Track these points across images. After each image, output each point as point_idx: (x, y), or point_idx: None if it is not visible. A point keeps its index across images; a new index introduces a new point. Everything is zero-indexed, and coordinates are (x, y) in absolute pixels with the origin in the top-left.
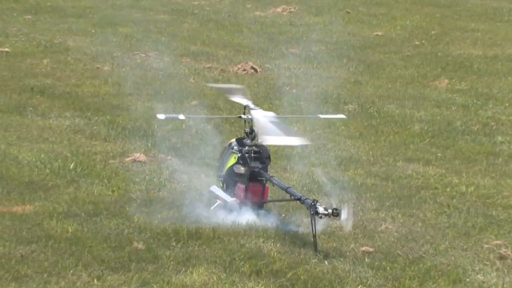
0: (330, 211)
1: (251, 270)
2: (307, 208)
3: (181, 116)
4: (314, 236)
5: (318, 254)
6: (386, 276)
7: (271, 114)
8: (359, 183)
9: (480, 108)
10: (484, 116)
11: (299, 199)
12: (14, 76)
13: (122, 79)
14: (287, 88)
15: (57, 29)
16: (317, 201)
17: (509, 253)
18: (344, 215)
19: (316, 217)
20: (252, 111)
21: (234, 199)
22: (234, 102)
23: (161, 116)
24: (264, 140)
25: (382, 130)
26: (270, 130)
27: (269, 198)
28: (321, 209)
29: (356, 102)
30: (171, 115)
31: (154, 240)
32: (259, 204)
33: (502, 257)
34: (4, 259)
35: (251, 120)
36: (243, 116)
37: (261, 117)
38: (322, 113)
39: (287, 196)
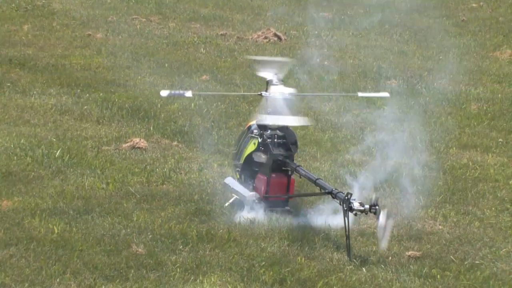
0: (367, 207)
1: (274, 279)
2: (340, 204)
3: (188, 93)
4: (348, 237)
5: (353, 259)
6: (436, 286)
7: (291, 90)
8: (404, 175)
9: None
10: None
11: (330, 193)
12: None
13: (118, 48)
14: (318, 60)
15: None
16: (351, 195)
17: None
18: (382, 217)
19: (350, 214)
20: (271, 87)
21: (254, 193)
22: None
23: (164, 93)
24: (261, 120)
25: (432, 111)
26: (276, 109)
27: (295, 192)
28: (356, 205)
29: (400, 76)
30: (177, 92)
31: (157, 242)
32: (284, 199)
33: None
34: None
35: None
36: (264, 93)
37: (276, 94)
38: (360, 91)
39: (317, 190)
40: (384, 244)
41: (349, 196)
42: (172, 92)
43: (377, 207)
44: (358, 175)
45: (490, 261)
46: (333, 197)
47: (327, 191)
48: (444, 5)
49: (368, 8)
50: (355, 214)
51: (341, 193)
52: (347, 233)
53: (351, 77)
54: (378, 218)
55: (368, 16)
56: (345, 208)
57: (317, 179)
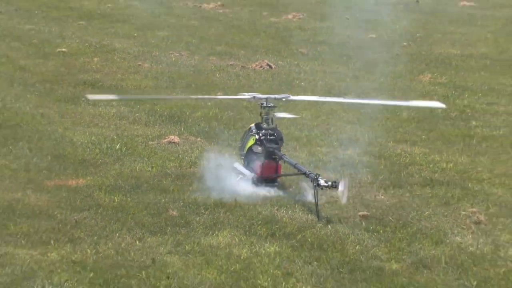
0: (330, 183)
1: (267, 233)
2: (311, 181)
3: (112, 96)
4: (317, 204)
5: (322, 220)
6: (379, 238)
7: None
8: (357, 161)
9: (457, 98)
10: (461, 104)
11: (304, 173)
12: (69, 72)
13: (159, 74)
14: (297, 82)
15: (105, 32)
16: (319, 175)
17: (483, 218)
18: (341, 187)
19: (318, 188)
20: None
21: (253, 173)
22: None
23: (91, 97)
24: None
25: (376, 117)
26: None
27: (282, 173)
28: (322, 182)
29: (354, 93)
30: (102, 96)
31: (186, 208)
32: (273, 178)
33: (476, 222)
34: (61, 224)
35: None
36: (243, 95)
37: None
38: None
39: (295, 171)
40: (344, 201)
41: (317, 176)
42: (99, 96)
43: (336, 182)
44: (325, 161)
45: (417, 221)
46: (306, 177)
47: (302, 172)
48: (384, 44)
49: (332, 46)
50: (322, 189)
51: (312, 174)
52: (316, 201)
53: (319, 94)
54: (338, 187)
55: (332, 51)
56: (315, 184)
57: (295, 164)
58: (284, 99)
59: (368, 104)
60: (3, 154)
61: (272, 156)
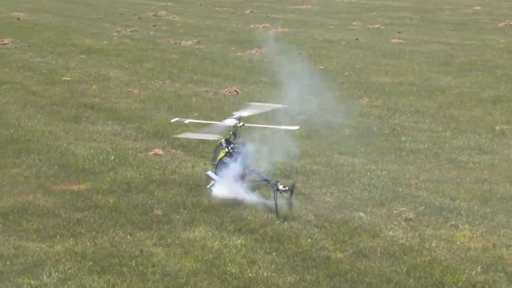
0: (286, 188)
1: (235, 228)
2: (272, 186)
3: (187, 120)
4: (276, 205)
5: (280, 218)
6: (326, 233)
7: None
8: (308, 169)
9: (390, 118)
10: (392, 123)
11: (266, 180)
12: (73, 96)
13: (146, 98)
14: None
15: (102, 64)
16: (278, 181)
17: (411, 216)
18: (292, 192)
19: (277, 192)
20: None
21: (224, 180)
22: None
23: (174, 120)
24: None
25: (323, 133)
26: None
27: (246, 179)
28: (280, 187)
29: (306, 113)
30: (181, 119)
31: (169, 208)
32: (240, 183)
33: (406, 220)
34: (66, 222)
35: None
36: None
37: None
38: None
39: (259, 178)
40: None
41: (277, 182)
42: (178, 119)
43: (291, 188)
44: (282, 169)
45: (357, 219)
46: (267, 183)
47: (264, 179)
48: (330, 74)
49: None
50: (280, 192)
51: (272, 180)
52: (276, 202)
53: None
54: (292, 192)
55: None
56: (274, 189)
57: (259, 172)
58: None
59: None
60: (18, 164)
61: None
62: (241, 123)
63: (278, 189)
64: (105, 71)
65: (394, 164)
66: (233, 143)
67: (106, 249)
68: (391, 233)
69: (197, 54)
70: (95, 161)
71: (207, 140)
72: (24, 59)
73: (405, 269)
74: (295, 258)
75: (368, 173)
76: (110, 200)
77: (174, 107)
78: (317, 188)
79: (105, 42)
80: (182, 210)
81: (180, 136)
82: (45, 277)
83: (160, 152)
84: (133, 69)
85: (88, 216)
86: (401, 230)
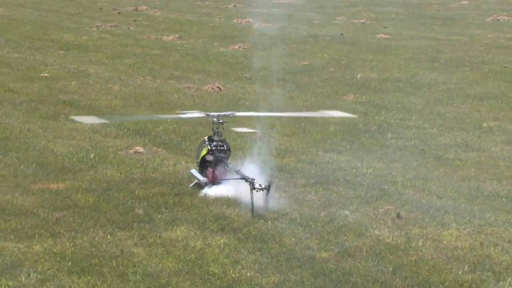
0: (263, 186)
1: (218, 228)
2: (249, 185)
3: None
4: (252, 203)
5: (255, 216)
6: (311, 231)
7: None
8: (292, 167)
9: (376, 115)
10: (378, 120)
11: (244, 178)
12: (51, 93)
13: (127, 95)
14: (242, 101)
15: (82, 60)
16: (254, 179)
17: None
18: (272, 190)
19: (254, 190)
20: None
21: (205, 178)
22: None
23: (179, 112)
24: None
25: (308, 130)
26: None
27: (228, 177)
28: (257, 185)
29: (289, 110)
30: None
31: (150, 207)
32: (221, 181)
33: (392, 218)
34: (44, 221)
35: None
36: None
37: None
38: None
39: (237, 176)
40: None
41: (253, 180)
42: (183, 112)
43: (268, 186)
44: (263, 168)
45: (342, 217)
46: (245, 181)
47: (242, 177)
48: (314, 69)
49: (271, 71)
50: (257, 191)
51: (249, 178)
52: (252, 201)
53: (261, 111)
54: (269, 190)
55: (271, 76)
56: (251, 187)
57: (238, 170)
58: (231, 116)
59: (297, 116)
60: None
61: (221, 164)
62: (221, 120)
63: (254, 187)
64: (85, 67)
65: (380, 162)
66: (216, 141)
67: (86, 249)
68: (377, 232)
69: (179, 49)
70: (75, 159)
71: (189, 138)
72: (0, 55)
73: (391, 268)
74: (279, 258)
75: (354, 171)
76: (90, 199)
77: (155, 104)
78: (302, 186)
79: (84, 37)
80: (163, 209)
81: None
82: (23, 278)
83: (141, 150)
84: (113, 65)
85: (67, 216)
86: (387, 229)
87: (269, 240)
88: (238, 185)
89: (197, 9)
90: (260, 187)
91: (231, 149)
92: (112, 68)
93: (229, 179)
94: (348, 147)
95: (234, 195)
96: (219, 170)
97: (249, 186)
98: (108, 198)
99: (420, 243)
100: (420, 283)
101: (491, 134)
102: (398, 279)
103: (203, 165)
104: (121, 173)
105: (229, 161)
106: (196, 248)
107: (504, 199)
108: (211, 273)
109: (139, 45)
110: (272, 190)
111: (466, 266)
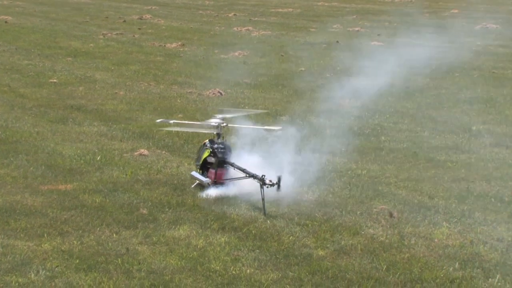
0: (273, 182)
1: (219, 227)
2: (258, 181)
3: (172, 121)
4: (263, 200)
5: (267, 214)
6: (308, 230)
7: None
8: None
9: (370, 118)
10: (372, 123)
11: (252, 176)
12: (59, 98)
13: (132, 100)
14: (242, 106)
15: (89, 67)
16: (264, 175)
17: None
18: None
19: (264, 187)
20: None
21: (208, 179)
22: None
23: (159, 120)
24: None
25: (305, 133)
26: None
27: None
28: (267, 181)
29: (287, 114)
30: (165, 120)
31: (154, 207)
32: (223, 182)
33: (385, 217)
34: (53, 221)
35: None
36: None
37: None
38: (266, 124)
39: (245, 175)
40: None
41: (263, 176)
42: (163, 120)
43: (278, 182)
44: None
45: (338, 216)
46: (254, 179)
47: (250, 175)
48: (311, 75)
49: (270, 77)
50: (268, 187)
51: (258, 175)
52: (263, 198)
53: (261, 115)
54: (279, 186)
55: (270, 81)
56: (261, 184)
57: (244, 169)
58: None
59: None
60: (6, 165)
61: (223, 165)
62: (224, 124)
63: (265, 183)
64: (91, 73)
65: (374, 164)
66: (217, 143)
67: (92, 247)
68: (371, 230)
69: (181, 56)
70: (82, 161)
71: (192, 141)
72: (11, 61)
73: (385, 266)
74: (277, 256)
75: (349, 172)
76: (97, 200)
77: (159, 109)
78: (299, 187)
79: (91, 44)
80: (167, 209)
81: (171, 128)
82: (32, 275)
83: (146, 152)
84: (119, 71)
85: (75, 215)
86: (381, 228)
87: (268, 239)
88: (242, 185)
89: (198, 18)
90: (270, 183)
91: (232, 150)
92: (117, 74)
93: (235, 179)
94: (343, 149)
95: (235, 195)
96: (222, 171)
97: (258, 183)
98: (114, 198)
99: (412, 241)
100: (413, 279)
101: (480, 137)
102: (391, 276)
103: (204, 167)
104: (126, 174)
105: (232, 161)
106: (198, 246)
107: (493, 199)
108: (213, 270)
109: (143, 52)
110: (281, 186)
111: (457, 263)
